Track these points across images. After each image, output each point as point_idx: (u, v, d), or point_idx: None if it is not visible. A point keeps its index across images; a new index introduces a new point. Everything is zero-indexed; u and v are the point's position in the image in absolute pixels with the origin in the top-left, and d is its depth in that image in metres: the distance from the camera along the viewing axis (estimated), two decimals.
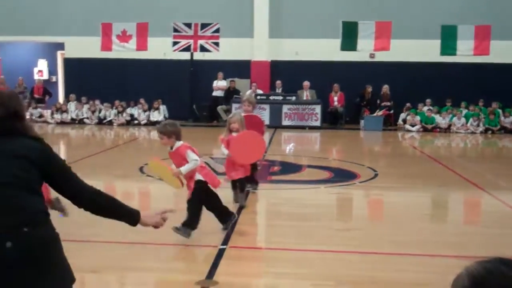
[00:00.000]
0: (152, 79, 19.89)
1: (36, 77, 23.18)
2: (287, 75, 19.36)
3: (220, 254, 5.47)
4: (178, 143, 5.94)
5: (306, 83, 19.16)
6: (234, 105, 18.64)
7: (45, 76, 23.86)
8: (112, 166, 10.96)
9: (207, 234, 6.12)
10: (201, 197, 5.97)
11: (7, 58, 22.16)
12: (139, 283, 4.85)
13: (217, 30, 19.38)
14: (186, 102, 19.50)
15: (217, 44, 19.47)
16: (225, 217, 6.13)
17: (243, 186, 7.35)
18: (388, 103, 19.15)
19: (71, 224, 6.55)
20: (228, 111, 18.87)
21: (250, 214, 7.26)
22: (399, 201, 8.42)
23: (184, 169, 5.84)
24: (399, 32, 18.87)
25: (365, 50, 19.45)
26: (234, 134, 6.90)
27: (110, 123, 19.00)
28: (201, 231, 6.20)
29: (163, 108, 19.31)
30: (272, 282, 4.88)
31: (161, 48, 19.75)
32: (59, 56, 23.53)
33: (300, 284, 4.79)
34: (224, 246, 5.70)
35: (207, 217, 6.26)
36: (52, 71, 24.20)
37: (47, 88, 21.26)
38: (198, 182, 5.94)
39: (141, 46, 19.90)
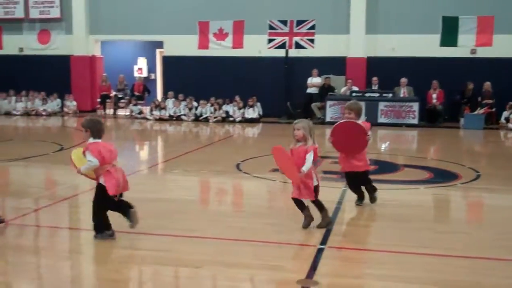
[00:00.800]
0: (247, 76, 20.08)
1: (136, 74, 24.07)
2: (384, 72, 18.95)
3: (319, 253, 5.42)
4: (90, 140, 5.84)
5: (404, 80, 18.68)
6: (329, 102, 18.50)
7: (144, 73, 24.71)
8: (210, 162, 11.14)
9: (305, 233, 6.09)
10: (99, 200, 5.85)
11: (109, 56, 23.10)
12: (239, 279, 4.88)
13: (312, 27, 19.29)
14: (281, 100, 19.54)
15: (312, 41, 19.38)
16: (128, 214, 5.86)
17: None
18: (490, 101, 18.31)
19: (165, 218, 6.73)
20: (322, 108, 18.74)
21: (348, 213, 7.16)
22: (505, 204, 8.01)
23: (83, 168, 5.78)
24: (502, 27, 18.00)
25: (466, 46, 18.72)
26: (298, 144, 6.21)
27: (206, 120, 19.37)
28: (299, 230, 6.18)
29: (257, 105, 19.45)
30: (375, 284, 4.76)
31: (256, 45, 19.91)
32: (158, 54, 24.27)
33: None
34: (323, 246, 5.64)
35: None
36: (151, 68, 25.01)
37: (146, 86, 21.97)
38: (98, 185, 5.81)
39: (237, 44, 20.16)
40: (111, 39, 22.02)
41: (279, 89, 19.68)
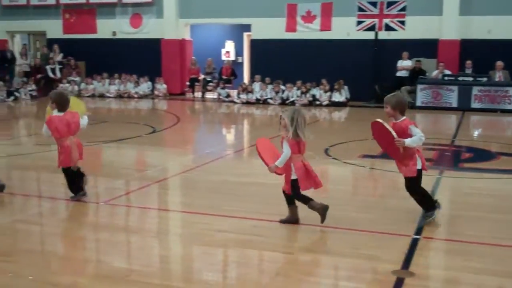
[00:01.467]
0: (334, 59, 19.82)
1: (223, 58, 24.33)
2: (478, 55, 18.17)
3: (413, 244, 5.29)
4: (54, 113, 6.66)
5: (500, 63, 17.83)
6: (419, 86, 17.97)
7: (232, 57, 24.93)
8: None
9: (399, 223, 5.96)
10: (63, 169, 6.88)
11: (198, 40, 23.45)
12: (334, 267, 4.86)
13: (403, 8, 18.74)
14: (369, 83, 19.17)
15: (403, 22, 18.84)
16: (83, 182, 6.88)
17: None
18: None
19: (260, 202, 6.75)
20: (412, 92, 18.24)
21: (442, 203, 6.95)
22: None
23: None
24: None
25: None
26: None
27: (293, 103, 19.32)
28: (393, 219, 6.05)
29: (345, 89, 19.19)
30: (471, 278, 4.59)
31: (344, 28, 19.60)
32: (246, 38, 24.39)
33: (509, 283, 4.47)
34: (418, 236, 5.51)
35: (401, 205, 6.09)
36: (239, 52, 25.19)
37: (234, 69, 22.16)
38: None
39: (325, 26, 19.92)
40: (200, 22, 22.33)
41: (367, 72, 19.30)
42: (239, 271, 4.78)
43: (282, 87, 19.85)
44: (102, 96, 21.68)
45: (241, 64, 24.95)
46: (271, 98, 19.79)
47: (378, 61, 19.23)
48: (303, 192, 5.88)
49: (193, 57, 22.23)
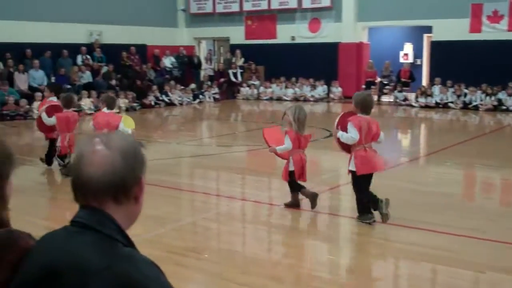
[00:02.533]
0: None
1: (401, 60, 23.76)
2: None
3: None
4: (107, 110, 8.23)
5: None
6: None
7: (410, 59, 24.25)
8: (482, 155, 10.51)
9: None
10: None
11: (375, 43, 23.15)
12: None
13: None
14: None
15: None
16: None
17: None
18: None
19: (437, 212, 6.47)
20: None
21: None
22: None
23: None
24: None
25: None
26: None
27: (476, 108, 18.32)
28: None
29: None
30: None
31: None
32: (425, 39, 23.59)
33: None
34: None
35: None
36: (417, 54, 24.44)
37: (412, 72, 21.56)
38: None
39: None
40: (378, 25, 22.03)
41: None
42: None
43: (465, 90, 18.89)
44: (279, 99, 22.28)
45: (420, 66, 24.15)
46: (452, 102, 18.93)
47: None
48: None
49: (370, 60, 22.00)
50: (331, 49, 21.88)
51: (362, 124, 6.02)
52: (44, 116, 8.89)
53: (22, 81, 17.60)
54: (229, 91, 23.31)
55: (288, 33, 23.08)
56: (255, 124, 16.11)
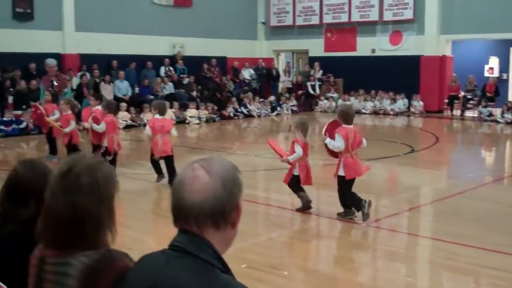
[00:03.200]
0: None
1: (486, 74, 22.97)
2: None
3: None
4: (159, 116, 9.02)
5: None
6: None
7: (496, 73, 23.41)
8: None
9: None
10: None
11: (459, 56, 22.50)
12: None
13: None
14: None
15: None
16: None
17: None
18: None
19: None
20: None
21: None
22: None
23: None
24: None
25: None
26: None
27: None
28: None
29: None
30: None
31: None
32: None
33: None
34: None
35: None
36: (503, 68, 23.56)
37: (498, 86, 20.80)
38: None
39: None
40: (462, 38, 21.41)
41: None
42: None
43: None
44: (358, 112, 21.96)
45: (506, 81, 23.27)
46: None
47: None
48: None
49: (454, 74, 21.40)
50: (413, 62, 21.43)
51: (349, 135, 6.83)
52: (95, 126, 9.52)
53: (107, 91, 18.23)
54: (307, 103, 23.27)
55: (368, 45, 22.81)
56: None
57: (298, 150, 7.14)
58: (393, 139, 15.16)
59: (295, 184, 7.32)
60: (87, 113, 10.39)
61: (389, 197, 8.41)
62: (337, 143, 6.80)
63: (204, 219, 1.71)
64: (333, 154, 7.11)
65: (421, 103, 21.36)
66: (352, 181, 6.90)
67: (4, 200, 2.57)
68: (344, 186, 6.90)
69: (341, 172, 6.86)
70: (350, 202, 6.91)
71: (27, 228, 2.38)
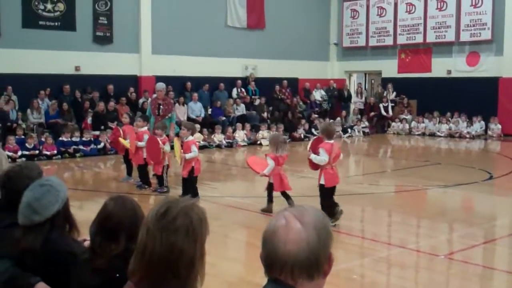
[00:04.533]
0: None
1: None
2: None
3: None
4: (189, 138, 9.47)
5: None
6: None
7: None
8: None
9: None
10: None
11: None
12: None
13: None
14: None
15: None
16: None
17: None
18: None
19: None
20: None
21: None
22: None
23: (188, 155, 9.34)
24: None
25: None
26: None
27: None
28: None
29: None
30: None
31: None
32: None
33: None
34: None
35: None
36: None
37: None
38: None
39: None
40: None
41: None
42: None
43: None
44: (432, 135, 21.48)
45: None
46: None
47: None
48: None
49: None
50: (491, 83, 20.75)
51: (332, 150, 7.75)
52: (138, 143, 10.42)
53: (181, 112, 18.57)
54: (379, 125, 22.92)
55: (444, 66, 22.27)
56: (405, 162, 15.64)
57: (270, 162, 8.31)
58: (469, 164, 14.63)
59: (270, 191, 8.49)
60: (130, 132, 11.00)
61: (462, 227, 8.09)
62: (322, 157, 7.68)
63: (300, 270, 1.69)
64: (314, 166, 7.98)
65: (499, 126, 20.61)
66: (332, 189, 7.89)
67: (95, 235, 2.63)
68: (325, 193, 7.83)
69: (322, 181, 7.81)
70: (327, 207, 7.43)
71: (116, 264, 2.43)
